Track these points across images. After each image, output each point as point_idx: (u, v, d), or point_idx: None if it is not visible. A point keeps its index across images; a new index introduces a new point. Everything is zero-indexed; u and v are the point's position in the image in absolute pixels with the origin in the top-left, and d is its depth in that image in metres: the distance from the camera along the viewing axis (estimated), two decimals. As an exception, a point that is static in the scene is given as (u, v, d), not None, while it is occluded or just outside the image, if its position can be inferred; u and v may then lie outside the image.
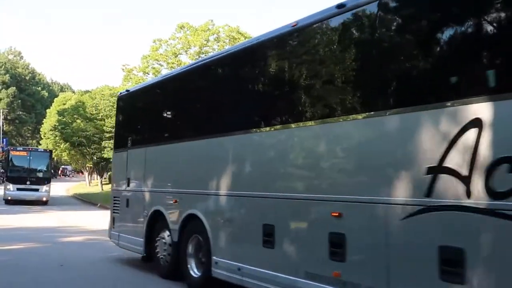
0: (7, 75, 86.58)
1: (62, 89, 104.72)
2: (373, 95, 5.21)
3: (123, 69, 25.12)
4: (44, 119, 60.86)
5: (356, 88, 5.44)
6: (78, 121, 37.66)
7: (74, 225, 19.53)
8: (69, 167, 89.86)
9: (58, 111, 48.50)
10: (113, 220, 11.07)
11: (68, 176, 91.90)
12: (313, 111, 5.99)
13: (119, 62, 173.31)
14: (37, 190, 30.53)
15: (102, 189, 47.31)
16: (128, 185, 10.38)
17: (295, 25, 6.31)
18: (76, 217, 23.41)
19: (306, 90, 6.13)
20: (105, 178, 54.66)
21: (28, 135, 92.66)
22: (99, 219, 22.45)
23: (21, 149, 35.97)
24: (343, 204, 5.24)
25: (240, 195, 6.91)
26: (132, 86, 24.76)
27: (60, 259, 11.09)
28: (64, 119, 42.06)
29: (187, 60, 23.24)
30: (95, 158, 41.47)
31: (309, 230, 5.77)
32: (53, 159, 38.47)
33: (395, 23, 5.30)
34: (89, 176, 59.70)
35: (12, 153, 32.99)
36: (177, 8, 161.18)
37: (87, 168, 56.49)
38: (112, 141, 32.40)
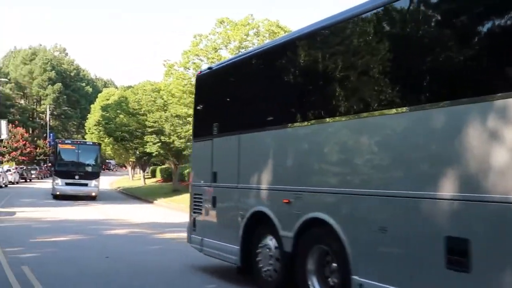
0: (53, 71, 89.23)
1: (106, 84, 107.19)
2: None
3: (164, 65, 25.42)
4: (89, 114, 62.48)
5: None
6: (121, 116, 38.38)
7: (117, 218, 19.95)
8: (112, 162, 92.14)
9: (101, 107, 49.63)
10: (193, 222, 9.51)
11: (112, 170, 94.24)
12: None
13: (160, 57, 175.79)
14: (86, 185, 29.66)
15: (145, 183, 48.30)
16: (215, 180, 8.75)
17: None
18: (119, 210, 23.92)
19: None
20: (147, 173, 55.70)
21: (74, 130, 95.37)
22: (141, 213, 22.93)
23: (69, 142, 34.36)
24: None
25: (400, 195, 5.10)
26: (173, 81, 25.04)
27: (105, 251, 11.36)
28: (108, 114, 42.98)
29: (226, 55, 23.31)
30: (137, 152, 42.21)
31: None
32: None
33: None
34: (132, 170, 60.96)
35: (60, 146, 32.05)
36: (217, 3, 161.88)
37: (130, 162, 57.68)
38: (154, 136, 33.04)
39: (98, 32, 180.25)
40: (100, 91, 72.30)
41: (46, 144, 75.70)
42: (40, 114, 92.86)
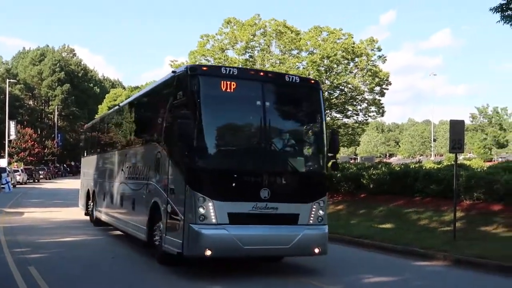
0: (62, 72, 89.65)
1: (113, 85, 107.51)
2: None
3: (171, 65, 25.40)
4: (96, 115, 62.83)
5: None
6: (129, 116, 38.54)
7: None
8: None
9: (109, 107, 49.99)
10: None
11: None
12: None
13: (167, 58, 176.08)
14: (294, 219, 8.72)
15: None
16: None
17: None
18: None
19: None
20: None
21: (82, 130, 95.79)
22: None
23: (232, 70, 8.70)
24: None
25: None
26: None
27: (111, 251, 11.38)
28: (115, 114, 43.19)
29: (233, 55, 23.32)
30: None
31: None
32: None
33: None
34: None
35: (203, 85, 8.41)
36: (224, 3, 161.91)
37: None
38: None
39: (105, 32, 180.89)
40: (108, 92, 72.63)
41: (54, 145, 76.14)
42: (49, 115, 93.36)
